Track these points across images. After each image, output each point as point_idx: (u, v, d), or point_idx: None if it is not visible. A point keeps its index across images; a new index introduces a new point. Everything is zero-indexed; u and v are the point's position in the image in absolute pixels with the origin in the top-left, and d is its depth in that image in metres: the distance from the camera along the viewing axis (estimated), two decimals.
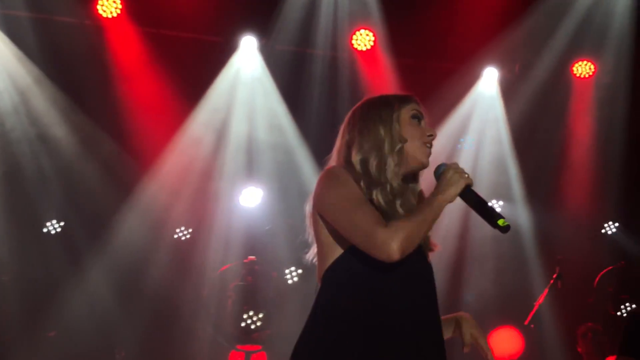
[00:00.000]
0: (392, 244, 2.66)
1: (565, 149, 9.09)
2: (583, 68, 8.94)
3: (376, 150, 2.92)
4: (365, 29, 8.51)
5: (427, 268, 2.95)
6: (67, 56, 7.90)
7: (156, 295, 7.98)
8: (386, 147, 2.93)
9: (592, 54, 8.86)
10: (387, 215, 2.82)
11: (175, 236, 8.47)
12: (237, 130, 8.42)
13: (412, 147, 2.94)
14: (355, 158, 2.93)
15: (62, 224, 8.26)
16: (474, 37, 8.45)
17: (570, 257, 8.41)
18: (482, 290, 8.77)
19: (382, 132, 2.94)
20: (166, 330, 8.00)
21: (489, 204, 2.87)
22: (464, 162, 8.91)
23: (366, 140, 2.94)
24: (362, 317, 2.77)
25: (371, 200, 2.85)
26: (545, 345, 8.42)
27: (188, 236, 8.50)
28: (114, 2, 7.98)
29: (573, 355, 7.82)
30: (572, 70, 8.96)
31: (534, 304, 8.07)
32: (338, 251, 2.84)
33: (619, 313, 8.54)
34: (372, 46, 8.55)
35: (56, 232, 8.26)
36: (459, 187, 2.79)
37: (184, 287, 8.10)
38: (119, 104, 8.14)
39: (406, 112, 2.99)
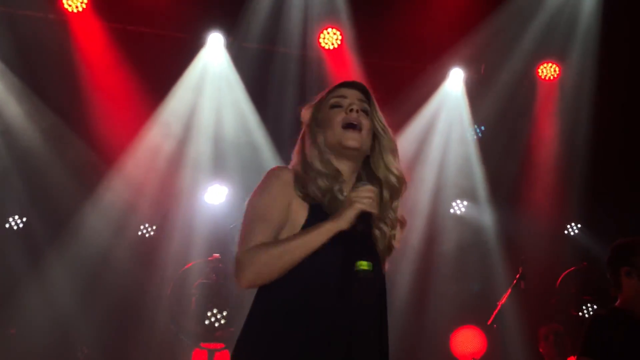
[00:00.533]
0: (242, 272, 2.71)
1: (529, 150, 9.15)
2: (548, 70, 9.00)
3: (309, 143, 2.98)
4: (332, 27, 8.51)
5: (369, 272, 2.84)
6: (31, 50, 7.81)
7: (119, 293, 7.92)
8: (311, 138, 2.98)
9: (557, 56, 8.92)
10: (331, 204, 2.85)
11: (139, 233, 8.41)
12: (203, 127, 8.37)
13: (332, 133, 2.95)
14: (301, 155, 3.01)
15: (24, 219, 8.17)
16: (440, 38, 8.48)
17: (534, 257, 8.46)
18: (445, 289, 8.81)
19: (311, 125, 3.01)
20: (129, 328, 7.95)
21: (366, 244, 2.79)
22: (430, 162, 8.95)
23: (306, 136, 3.02)
24: (290, 317, 2.73)
25: (308, 194, 2.87)
26: (507, 345, 8.46)
27: (152, 233, 8.44)
28: None
29: (535, 356, 7.87)
30: (538, 72, 9.01)
31: (497, 303, 8.11)
32: None
33: (581, 314, 8.62)
34: (339, 45, 8.54)
35: (18, 227, 8.16)
36: (355, 211, 2.75)
37: (147, 284, 8.05)
38: (83, 99, 8.06)
39: (329, 100, 3.02)
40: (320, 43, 8.54)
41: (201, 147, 8.35)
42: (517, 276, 7.98)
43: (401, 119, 8.68)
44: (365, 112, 3.00)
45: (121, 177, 8.10)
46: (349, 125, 2.94)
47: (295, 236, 2.74)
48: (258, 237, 2.75)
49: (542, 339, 7.55)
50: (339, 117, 2.95)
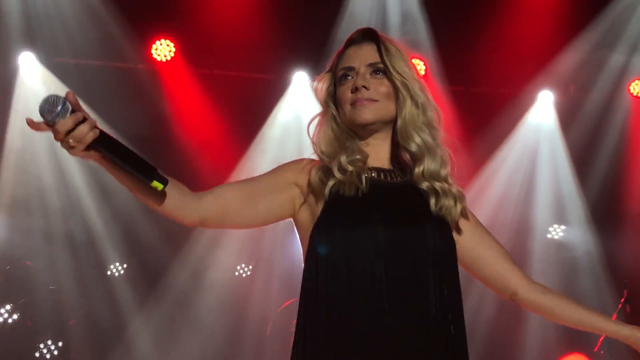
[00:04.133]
0: None
1: (626, 169, 8.93)
2: None
3: (324, 123, 2.63)
4: (416, 58, 8.51)
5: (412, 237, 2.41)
6: (123, 101, 8.04)
7: (218, 334, 8.00)
8: (326, 117, 2.63)
9: None
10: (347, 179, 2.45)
11: (236, 273, 8.49)
12: None
13: (343, 112, 2.56)
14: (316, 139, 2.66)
15: (124, 266, 8.36)
16: (526, 61, 8.39)
17: (638, 279, 8.22)
18: None
19: (327, 101, 2.64)
20: None
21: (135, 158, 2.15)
22: (524, 187, 8.82)
23: (322, 117, 2.68)
24: (321, 302, 2.36)
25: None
26: None
27: (249, 273, 8.51)
28: (168, 45, 8.10)
29: None
30: (629, 89, 8.81)
31: None
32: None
33: None
34: (423, 74, 8.53)
35: (119, 274, 8.36)
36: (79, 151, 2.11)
37: (245, 326, 8.10)
38: (174, 145, 8.24)
39: (338, 71, 2.61)
40: None
41: None
42: (622, 300, 7.76)
43: (492, 145, 8.60)
44: (379, 72, 2.54)
45: None
46: (358, 102, 2.52)
47: None
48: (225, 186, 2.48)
49: None
50: (347, 94, 2.54)
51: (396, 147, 2.59)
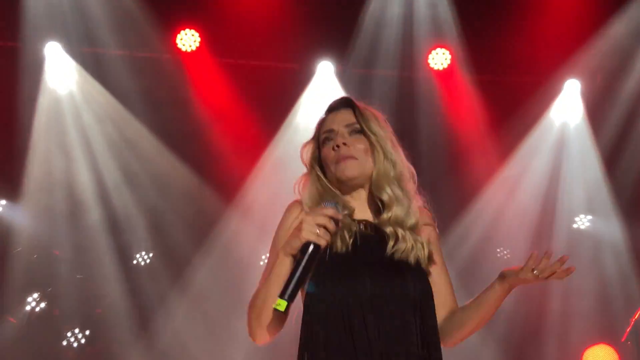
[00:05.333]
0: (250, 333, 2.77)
1: None
2: None
3: (309, 183, 2.96)
4: (441, 47, 8.46)
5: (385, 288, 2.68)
6: (150, 91, 8.07)
7: (241, 329, 8.00)
8: (311, 178, 2.96)
9: None
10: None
11: (261, 263, 8.50)
12: None
13: (329, 171, 2.89)
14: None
15: (150, 255, 8.40)
16: (553, 49, 8.32)
17: None
18: (577, 306, 8.58)
19: (312, 164, 2.98)
20: None
21: (305, 278, 2.57)
22: (550, 176, 8.77)
23: (308, 176, 3.01)
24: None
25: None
26: None
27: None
28: (192, 35, 8.12)
29: None
30: None
31: (630, 320, 7.85)
32: None
33: None
34: (448, 65, 8.48)
35: (145, 263, 8.41)
36: (300, 241, 2.59)
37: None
38: (201, 135, 8.26)
39: (321, 136, 2.94)
40: (429, 64, 8.50)
41: None
42: None
43: (518, 133, 8.56)
44: (356, 132, 2.88)
45: (241, 213, 8.20)
46: (341, 159, 2.84)
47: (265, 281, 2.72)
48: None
49: None
50: (331, 153, 2.86)
51: (373, 198, 2.89)
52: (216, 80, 8.28)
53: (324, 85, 8.48)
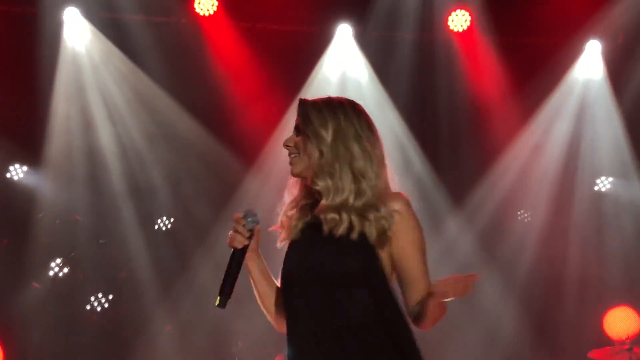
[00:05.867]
0: None
1: None
2: None
3: None
4: (461, 8, 8.39)
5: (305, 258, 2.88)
6: (169, 55, 8.07)
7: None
8: None
9: None
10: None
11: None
12: None
13: None
14: None
15: (172, 220, 8.44)
16: (574, 10, 8.24)
17: None
18: (600, 269, 8.57)
19: None
20: None
21: (233, 277, 2.92)
22: (570, 138, 8.71)
23: None
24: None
25: None
26: None
27: None
28: None
29: None
30: None
31: None
32: None
33: None
34: (468, 26, 8.41)
35: (167, 228, 8.45)
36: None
37: None
38: (219, 99, 8.26)
39: None
40: (449, 26, 8.43)
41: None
42: None
43: (539, 96, 8.50)
44: (298, 131, 2.96)
45: (261, 178, 8.21)
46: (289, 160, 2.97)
47: None
48: None
49: None
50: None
51: None
52: (234, 44, 8.27)
53: (343, 48, 8.44)
